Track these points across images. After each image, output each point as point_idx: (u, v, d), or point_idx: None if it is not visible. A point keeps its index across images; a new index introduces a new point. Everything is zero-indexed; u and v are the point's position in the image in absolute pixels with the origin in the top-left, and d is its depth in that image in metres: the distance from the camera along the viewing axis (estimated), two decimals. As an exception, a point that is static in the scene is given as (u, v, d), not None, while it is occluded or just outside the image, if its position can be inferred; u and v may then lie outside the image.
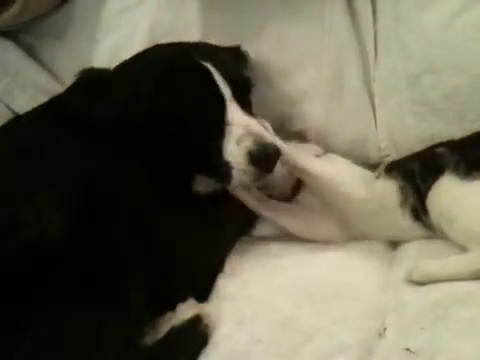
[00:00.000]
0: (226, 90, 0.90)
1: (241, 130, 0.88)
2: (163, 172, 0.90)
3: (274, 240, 1.00)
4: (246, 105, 0.95)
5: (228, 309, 0.84)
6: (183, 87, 0.90)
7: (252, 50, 1.10)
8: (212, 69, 0.90)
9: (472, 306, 0.72)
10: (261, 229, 1.04)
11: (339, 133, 1.08)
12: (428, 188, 0.87)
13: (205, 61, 0.91)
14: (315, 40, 1.10)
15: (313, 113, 1.10)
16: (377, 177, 0.95)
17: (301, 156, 0.94)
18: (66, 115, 0.91)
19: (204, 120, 0.89)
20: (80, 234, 0.77)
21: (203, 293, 0.90)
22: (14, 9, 1.13)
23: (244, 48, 1.08)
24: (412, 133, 1.06)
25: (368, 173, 0.98)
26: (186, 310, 0.85)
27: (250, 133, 0.88)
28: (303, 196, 1.02)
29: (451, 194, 0.85)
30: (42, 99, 1.05)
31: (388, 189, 0.92)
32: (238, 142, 0.87)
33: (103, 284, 0.77)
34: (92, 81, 0.94)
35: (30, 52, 1.25)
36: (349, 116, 1.08)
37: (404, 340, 0.70)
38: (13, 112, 1.19)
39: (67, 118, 0.91)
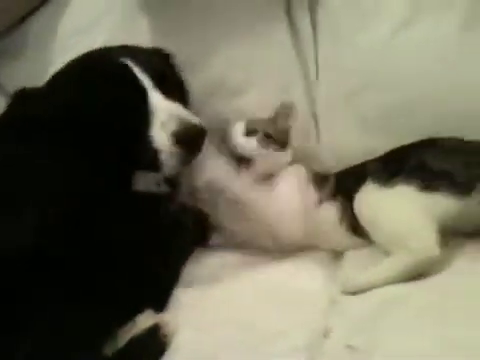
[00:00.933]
0: (147, 81, 0.94)
1: (165, 114, 0.92)
2: (104, 173, 0.91)
3: (229, 250, 1.05)
4: (175, 96, 0.97)
5: (186, 317, 0.89)
6: (104, 84, 0.92)
7: (203, 71, 1.16)
8: (131, 64, 0.94)
9: (406, 307, 0.79)
10: (216, 240, 1.09)
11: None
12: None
13: (124, 58, 0.95)
14: (261, 61, 1.16)
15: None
16: (320, 202, 1.01)
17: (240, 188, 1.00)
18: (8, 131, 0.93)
19: (129, 112, 0.92)
20: (42, 253, 0.81)
21: (160, 303, 0.94)
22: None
23: (196, 68, 1.13)
24: (352, 148, 1.12)
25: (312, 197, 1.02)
26: (145, 320, 0.89)
27: (173, 116, 0.92)
28: None
29: (371, 201, 0.91)
30: None
31: (329, 213, 0.99)
32: (162, 126, 0.91)
33: (66, 296, 0.81)
34: (24, 96, 0.97)
35: (-17, 72, 1.26)
36: (294, 132, 1.12)
37: (346, 338, 0.77)
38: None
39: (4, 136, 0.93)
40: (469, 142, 0.96)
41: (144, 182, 0.99)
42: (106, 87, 0.92)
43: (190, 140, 0.92)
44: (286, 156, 1.07)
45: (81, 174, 0.90)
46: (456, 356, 0.68)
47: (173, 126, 0.90)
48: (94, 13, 1.25)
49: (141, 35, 1.20)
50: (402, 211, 0.89)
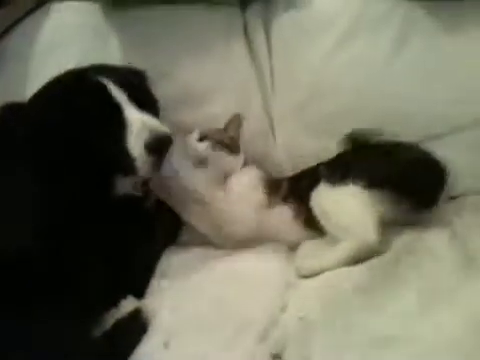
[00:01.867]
0: (121, 96, 1.02)
1: (138, 126, 1.00)
2: (86, 180, 1.01)
3: (197, 246, 1.18)
4: (146, 109, 1.05)
5: (162, 301, 1.02)
6: (82, 101, 1.00)
7: (170, 82, 1.27)
8: (105, 80, 1.02)
9: (344, 285, 0.94)
10: (186, 236, 1.22)
11: (245, 152, 1.24)
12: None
13: (99, 75, 1.03)
14: (222, 75, 1.30)
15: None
16: (270, 206, 1.14)
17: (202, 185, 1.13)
18: None
19: (106, 126, 1.00)
20: (33, 252, 0.91)
21: (140, 291, 1.07)
22: None
23: (163, 80, 1.24)
24: (303, 150, 1.27)
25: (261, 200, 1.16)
26: (127, 305, 1.02)
27: (145, 127, 1.00)
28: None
29: (325, 197, 1.06)
30: None
31: (283, 214, 1.13)
32: (137, 137, 1.00)
33: (60, 286, 0.93)
34: (6, 113, 1.04)
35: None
36: (253, 137, 1.27)
37: (299, 311, 0.92)
38: None
39: None
40: (400, 144, 1.13)
41: (122, 186, 1.10)
42: (84, 104, 1.00)
43: (160, 148, 1.02)
44: (236, 160, 1.21)
45: (64, 183, 0.99)
46: (385, 316, 0.85)
47: (145, 136, 1.00)
48: (69, 30, 1.34)
49: (112, 51, 1.31)
50: (350, 205, 1.03)
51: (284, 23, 1.30)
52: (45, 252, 0.92)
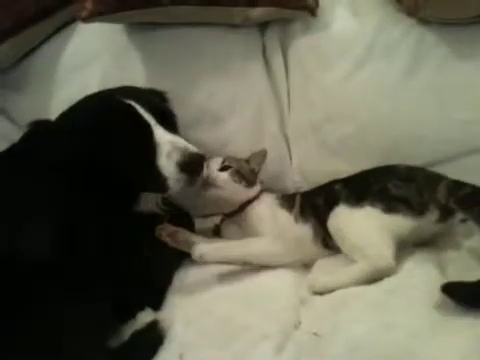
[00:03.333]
0: (149, 118, 1.06)
1: (169, 146, 1.04)
2: (113, 196, 1.04)
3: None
4: (171, 129, 1.09)
5: (178, 314, 1.04)
6: (113, 123, 1.04)
7: (188, 101, 1.30)
8: (135, 104, 1.06)
9: (363, 300, 0.95)
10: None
11: (261, 170, 1.27)
12: (327, 217, 1.10)
13: (128, 99, 1.07)
14: (240, 94, 1.33)
15: (238, 154, 1.28)
16: (296, 221, 1.15)
17: (231, 246, 1.12)
18: (21, 162, 1.04)
19: (137, 146, 1.04)
20: (54, 260, 0.93)
21: (157, 303, 1.09)
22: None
23: (182, 99, 1.26)
24: (317, 169, 1.30)
25: (287, 218, 1.16)
26: (145, 317, 1.04)
27: (176, 147, 1.04)
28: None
29: (342, 219, 1.08)
30: (2, 145, 1.14)
31: (303, 231, 1.14)
32: (168, 156, 1.04)
33: (78, 297, 0.94)
34: (39, 132, 1.08)
35: (-8, 102, 1.39)
36: (269, 157, 1.28)
37: (312, 327, 0.94)
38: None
39: (23, 164, 1.04)
40: (417, 169, 1.14)
41: (146, 203, 1.14)
42: (116, 126, 1.04)
43: (193, 167, 1.06)
44: (251, 192, 1.22)
45: (90, 198, 1.02)
46: (395, 334, 0.86)
47: (177, 156, 1.04)
48: (91, 50, 1.38)
49: (133, 71, 1.35)
50: (367, 228, 1.05)
51: (301, 46, 1.32)
52: (62, 262, 0.94)
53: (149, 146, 1.05)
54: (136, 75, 1.34)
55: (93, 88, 1.30)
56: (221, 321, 1.00)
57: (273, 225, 1.15)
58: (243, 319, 0.99)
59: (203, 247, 1.08)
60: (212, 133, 1.32)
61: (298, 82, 1.33)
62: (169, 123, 1.12)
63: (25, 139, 1.11)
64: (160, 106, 1.14)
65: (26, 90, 1.39)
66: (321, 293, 1.03)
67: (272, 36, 1.37)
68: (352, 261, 1.04)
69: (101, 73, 1.36)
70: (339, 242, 1.08)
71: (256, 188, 1.23)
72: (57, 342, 0.90)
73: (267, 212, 1.18)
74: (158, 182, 1.06)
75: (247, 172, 1.21)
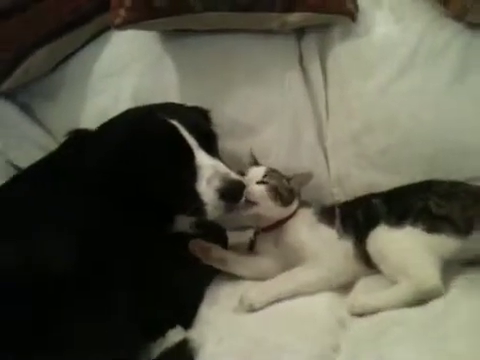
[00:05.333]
0: (192, 141, 1.03)
1: (210, 171, 1.01)
2: (148, 216, 1.02)
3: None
4: (213, 152, 1.07)
5: (209, 333, 1.00)
6: (154, 143, 1.01)
7: (222, 111, 1.26)
8: (178, 124, 1.03)
9: (403, 325, 0.90)
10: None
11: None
12: (367, 235, 1.05)
13: (171, 118, 1.04)
14: (276, 103, 1.29)
15: (273, 166, 1.20)
16: (339, 237, 1.08)
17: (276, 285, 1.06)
18: (60, 172, 1.03)
19: (177, 169, 1.01)
20: (82, 274, 0.91)
21: (188, 321, 1.05)
22: (17, 74, 1.27)
23: (215, 109, 1.22)
24: (356, 181, 1.25)
25: (329, 234, 1.10)
26: (175, 335, 1.00)
27: (217, 173, 1.01)
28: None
29: (383, 239, 1.03)
30: (37, 153, 1.17)
31: (347, 247, 1.07)
32: (208, 182, 1.01)
33: (104, 313, 0.92)
34: (78, 142, 1.07)
35: (26, 110, 1.39)
36: (306, 167, 1.24)
37: (354, 354, 0.88)
38: (12, 165, 1.33)
39: (61, 174, 1.03)
40: (459, 184, 1.08)
41: (181, 225, 1.11)
42: (158, 145, 1.02)
43: (233, 194, 1.02)
44: (286, 211, 1.15)
45: (126, 216, 1.00)
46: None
47: (217, 182, 1.00)
48: (125, 58, 1.37)
49: (167, 79, 1.32)
50: (410, 248, 1.00)
51: (340, 53, 1.28)
52: (89, 276, 0.91)
53: (189, 170, 1.02)
54: (169, 83, 1.33)
55: (126, 96, 1.33)
56: (254, 341, 0.95)
57: (314, 243, 1.10)
58: (277, 340, 0.94)
59: (251, 295, 1.03)
60: (246, 144, 1.27)
61: (337, 90, 1.29)
62: (211, 145, 1.09)
63: (62, 148, 1.11)
64: (204, 128, 1.11)
65: (59, 98, 1.38)
66: (361, 315, 0.97)
67: (309, 42, 1.33)
68: (393, 282, 0.99)
69: (134, 81, 1.35)
70: (380, 264, 1.03)
71: (292, 207, 1.16)
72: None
73: (305, 230, 1.12)
74: (195, 207, 1.02)
75: (285, 191, 1.13)
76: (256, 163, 1.21)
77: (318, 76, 1.30)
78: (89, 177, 1.01)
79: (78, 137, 1.09)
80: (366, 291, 1.02)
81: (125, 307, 0.95)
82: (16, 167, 1.33)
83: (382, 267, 1.02)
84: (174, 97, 1.27)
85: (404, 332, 0.89)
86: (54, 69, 1.38)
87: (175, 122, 1.04)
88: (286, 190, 1.14)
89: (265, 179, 1.13)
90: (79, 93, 1.37)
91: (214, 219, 1.06)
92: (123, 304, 0.95)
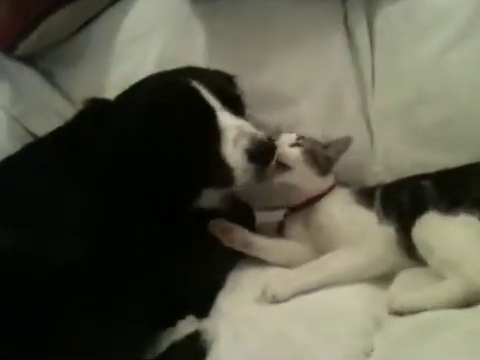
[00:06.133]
0: (214, 101, 0.95)
1: (235, 132, 0.92)
2: (172, 192, 0.94)
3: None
4: (239, 115, 0.99)
5: (225, 325, 0.88)
6: (174, 106, 0.94)
7: (255, 79, 1.16)
8: (198, 86, 0.96)
9: (451, 330, 0.75)
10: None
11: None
12: (413, 223, 0.91)
13: (191, 81, 0.96)
14: (315, 70, 1.16)
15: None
16: (379, 223, 0.96)
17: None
18: (72, 145, 0.96)
19: (199, 132, 0.93)
20: (90, 258, 0.82)
21: (204, 309, 0.94)
22: (32, 38, 1.20)
23: (248, 77, 1.11)
24: (405, 159, 1.11)
25: (367, 217, 0.97)
26: (186, 326, 0.89)
27: (244, 133, 0.92)
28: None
29: (432, 228, 0.88)
30: (57, 121, 1.09)
31: (388, 234, 0.94)
32: (234, 143, 0.92)
33: (109, 302, 0.82)
34: (95, 112, 0.99)
35: (46, 76, 1.32)
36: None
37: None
38: (30, 133, 1.26)
39: (73, 148, 0.95)
40: None
41: (209, 199, 1.00)
42: (175, 110, 0.93)
43: (263, 155, 0.92)
44: (322, 183, 1.04)
45: (144, 195, 0.92)
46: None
47: (245, 143, 0.91)
48: (149, 22, 1.27)
49: (196, 44, 1.22)
50: (463, 240, 0.86)
51: (391, 15, 1.14)
52: (95, 261, 0.81)
53: (213, 132, 0.93)
54: (197, 49, 1.23)
55: (150, 62, 1.24)
56: (273, 340, 0.82)
57: (349, 226, 0.97)
58: (300, 339, 0.81)
59: (274, 285, 0.91)
60: (281, 116, 1.16)
61: (385, 56, 1.14)
62: (237, 109, 0.99)
63: (78, 118, 1.02)
64: (227, 89, 1.01)
65: (81, 64, 1.30)
66: (401, 314, 0.82)
67: (356, 3, 1.18)
68: (441, 278, 0.84)
69: (160, 46, 1.25)
70: (427, 256, 0.88)
71: (329, 180, 1.04)
72: (83, 352, 0.77)
73: (340, 210, 1.00)
74: (222, 174, 0.93)
75: (322, 157, 1.02)
76: None
77: (364, 40, 1.16)
78: (106, 150, 0.93)
79: (95, 107, 1.00)
80: (407, 286, 0.88)
81: (132, 293, 0.85)
82: (34, 135, 1.25)
83: (428, 260, 0.88)
84: (203, 64, 1.15)
85: (451, 338, 0.74)
86: (76, 33, 1.30)
87: (195, 84, 0.95)
88: (323, 156, 1.01)
89: (299, 141, 1.01)
90: (101, 59, 1.29)
91: (243, 188, 0.97)
92: (130, 290, 0.85)
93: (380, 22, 1.15)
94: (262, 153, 0.92)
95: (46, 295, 0.76)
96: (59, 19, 1.22)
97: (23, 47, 1.22)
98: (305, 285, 0.91)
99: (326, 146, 1.06)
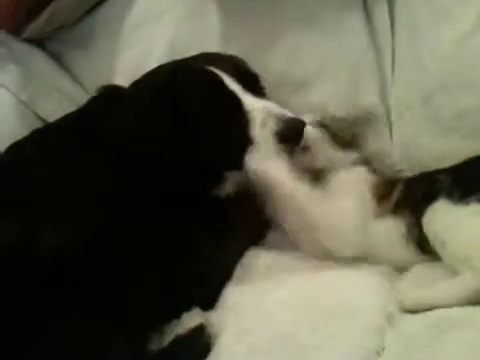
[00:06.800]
0: (235, 86, 0.94)
1: (261, 114, 0.91)
2: (192, 180, 0.92)
3: (283, 252, 0.99)
4: (260, 95, 0.98)
5: (230, 320, 0.85)
6: (193, 93, 0.92)
7: (268, 63, 1.11)
8: (217, 71, 0.94)
9: (467, 328, 0.71)
10: (272, 239, 1.04)
11: None
12: (424, 212, 0.86)
13: (209, 66, 0.95)
14: (331, 53, 1.11)
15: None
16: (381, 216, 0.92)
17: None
18: (85, 130, 0.94)
19: (223, 118, 0.92)
20: (92, 245, 0.81)
21: (210, 300, 0.92)
22: (40, 20, 1.18)
23: (261, 61, 1.09)
24: (425, 150, 1.05)
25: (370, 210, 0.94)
26: (191, 319, 0.86)
27: (271, 114, 0.91)
28: None
29: (443, 218, 0.84)
30: (67, 105, 1.09)
31: (392, 227, 0.90)
32: (262, 125, 0.90)
33: (112, 292, 0.80)
34: (109, 98, 0.97)
35: (55, 59, 1.30)
36: (364, 131, 1.07)
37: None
38: (40, 118, 1.24)
39: (86, 133, 0.93)
40: None
41: (233, 183, 0.98)
42: (196, 98, 0.92)
43: (292, 135, 0.91)
44: (345, 159, 1.00)
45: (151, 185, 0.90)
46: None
47: (274, 125, 0.90)
48: (161, 5, 1.24)
49: (207, 27, 1.18)
50: (474, 230, 0.81)
51: (411, -6, 1.07)
52: (92, 248, 0.80)
53: (238, 117, 0.92)
54: (209, 31, 1.19)
55: (162, 45, 1.21)
56: (281, 337, 0.79)
57: (355, 217, 0.92)
58: (309, 338, 0.77)
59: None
60: (293, 101, 1.10)
61: (407, 40, 1.07)
62: (257, 88, 0.98)
63: (91, 104, 1.01)
64: (245, 69, 1.00)
65: (91, 47, 1.28)
66: (413, 311, 0.78)
67: (375, -18, 1.11)
68: (455, 272, 0.79)
69: (172, 28, 1.21)
70: (437, 247, 0.83)
71: (351, 156, 1.01)
72: (80, 346, 0.76)
73: (353, 198, 0.94)
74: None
75: (348, 134, 0.99)
76: None
77: (384, 21, 1.09)
78: (120, 139, 0.90)
79: (109, 92, 0.98)
80: (420, 282, 0.83)
81: (132, 282, 0.83)
82: (43, 120, 1.23)
83: (440, 253, 0.83)
84: (215, 49, 1.14)
85: (467, 338, 0.70)
86: (85, 16, 1.28)
87: (213, 68, 0.94)
88: (349, 134, 1.00)
89: (318, 121, 0.99)
90: (111, 42, 1.26)
91: None
92: (131, 279, 0.83)
93: (401, 2, 1.08)
94: (291, 133, 0.91)
95: (43, 285, 0.75)
96: (67, 1, 1.20)
97: (30, 31, 1.20)
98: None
99: (347, 121, 1.02)
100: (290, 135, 0.91)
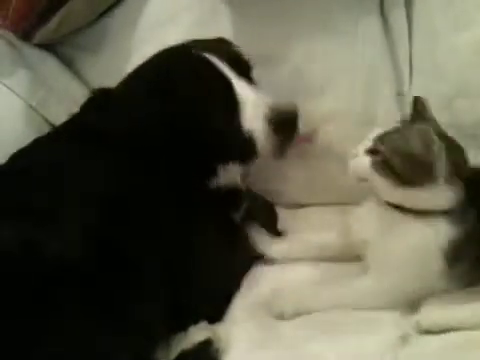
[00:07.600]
0: (229, 72, 0.91)
1: (255, 102, 0.89)
2: (187, 172, 0.90)
3: (295, 265, 0.96)
4: (253, 83, 0.95)
5: (239, 334, 0.83)
6: (187, 80, 0.90)
7: (282, 67, 1.09)
8: (211, 57, 0.92)
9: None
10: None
11: None
12: None
13: (203, 52, 0.92)
14: (346, 57, 1.08)
15: (341, 133, 1.06)
16: None
17: None
18: (82, 132, 0.93)
19: (216, 105, 0.90)
20: (98, 251, 0.78)
21: (218, 312, 0.89)
22: (51, 24, 1.15)
23: (275, 65, 1.08)
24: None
25: None
26: (197, 333, 0.84)
27: (265, 103, 0.89)
28: None
29: None
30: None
31: None
32: (254, 114, 0.89)
33: (118, 300, 0.78)
34: (100, 97, 0.97)
35: (66, 63, 1.27)
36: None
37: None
38: (50, 124, 1.22)
39: (83, 135, 0.92)
40: None
41: (228, 177, 0.96)
42: (188, 82, 0.90)
43: (286, 125, 0.89)
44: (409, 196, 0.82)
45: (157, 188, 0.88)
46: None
47: (268, 113, 0.88)
48: (172, 8, 1.21)
49: (221, 28, 1.15)
50: None
51: (431, -2, 1.04)
52: (95, 255, 0.77)
53: (229, 103, 0.90)
54: (225, 34, 1.11)
55: None
56: (292, 352, 0.77)
57: None
58: (321, 354, 0.75)
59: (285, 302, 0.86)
60: (306, 108, 1.04)
61: (424, 44, 1.05)
62: (248, 76, 0.95)
63: (84, 108, 0.99)
64: (239, 56, 0.97)
65: (102, 51, 1.25)
66: (430, 332, 0.75)
67: (393, -16, 1.09)
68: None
69: (182, 34, 1.15)
70: None
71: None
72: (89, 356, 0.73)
73: None
74: (243, 146, 0.89)
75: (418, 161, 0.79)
76: None
77: (402, 25, 1.07)
78: (115, 137, 0.88)
79: (102, 95, 0.97)
80: (440, 303, 0.79)
81: (135, 292, 0.80)
82: (52, 125, 1.20)
83: None
84: None
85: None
86: (97, 20, 1.25)
87: (207, 54, 0.92)
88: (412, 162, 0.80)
89: (377, 147, 0.82)
90: (123, 45, 1.23)
91: (265, 159, 0.92)
92: (144, 289, 0.81)
93: (419, 5, 1.06)
94: (284, 123, 0.89)
95: (46, 291, 0.73)
96: (78, 6, 1.17)
97: (41, 35, 1.18)
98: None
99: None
100: (284, 124, 0.89)
